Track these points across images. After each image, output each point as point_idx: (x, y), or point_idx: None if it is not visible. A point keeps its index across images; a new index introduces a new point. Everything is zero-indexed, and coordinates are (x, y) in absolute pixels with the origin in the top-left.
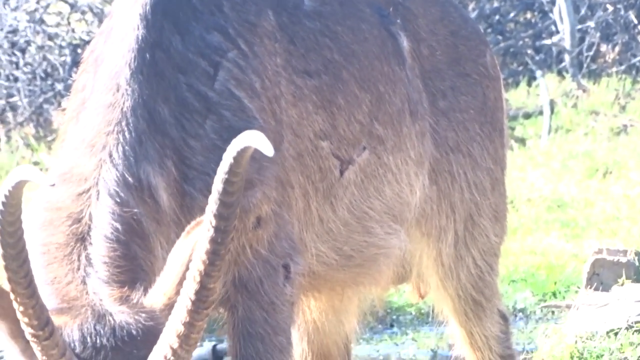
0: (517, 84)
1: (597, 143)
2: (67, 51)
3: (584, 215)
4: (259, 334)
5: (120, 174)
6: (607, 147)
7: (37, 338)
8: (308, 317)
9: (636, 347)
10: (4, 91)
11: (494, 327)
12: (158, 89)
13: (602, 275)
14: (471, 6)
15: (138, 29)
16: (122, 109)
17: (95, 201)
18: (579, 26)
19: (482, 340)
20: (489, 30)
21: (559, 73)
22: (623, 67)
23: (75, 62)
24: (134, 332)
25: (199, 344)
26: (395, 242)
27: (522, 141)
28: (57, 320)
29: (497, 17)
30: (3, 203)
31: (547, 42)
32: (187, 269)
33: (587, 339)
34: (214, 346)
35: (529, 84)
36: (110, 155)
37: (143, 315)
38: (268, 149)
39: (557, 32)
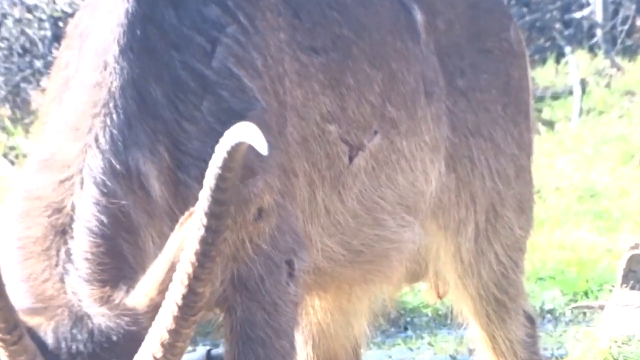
0: (544, 61)
1: (632, 126)
2: (47, 25)
3: (619, 205)
4: (260, 338)
5: (107, 161)
6: None
7: (4, 342)
8: (313, 319)
9: None
10: None
11: (519, 330)
12: (150, 67)
13: (638, 273)
14: None
15: (128, 1)
16: (109, 88)
17: (79, 190)
18: None
19: (506, 345)
20: (513, 2)
21: (591, 49)
22: None
23: (57, 37)
24: (114, 337)
25: (192, 348)
26: (409, 236)
27: (550, 124)
28: (30, 321)
29: None
30: None
31: (577, 15)
32: (172, 267)
33: (622, 343)
34: (208, 351)
35: (558, 61)
36: (97, 140)
37: (125, 318)
38: (262, 146)
39: (588, 4)
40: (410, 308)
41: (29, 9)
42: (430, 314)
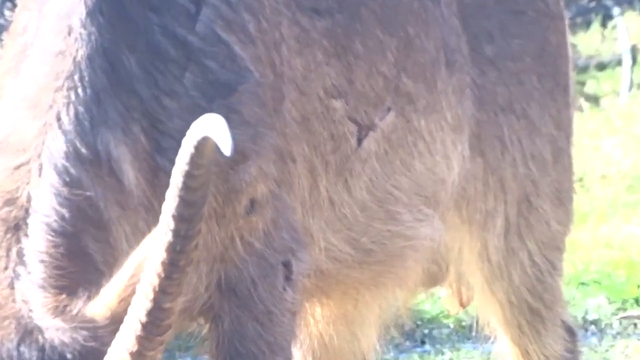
0: (587, 24)
1: None
2: None
3: None
4: (251, 353)
5: (71, 143)
6: None
7: None
8: (313, 330)
9: None
10: None
11: (556, 344)
12: (122, 32)
13: None
14: None
15: None
16: (74, 58)
17: (37, 178)
18: None
19: None
20: None
21: None
22: None
23: None
24: (68, 355)
25: None
26: (428, 232)
27: (594, 100)
28: None
29: None
30: None
31: None
32: (136, 275)
33: None
34: None
35: (604, 25)
36: (59, 119)
37: (82, 332)
38: (226, 145)
39: None
40: (429, 318)
41: None
42: (451, 325)
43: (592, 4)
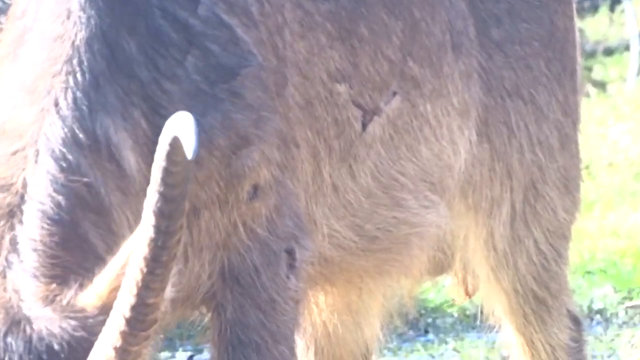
0: (595, 9)
1: None
2: None
3: None
4: (254, 342)
5: (69, 129)
6: None
7: None
8: (316, 319)
9: None
10: None
11: (562, 333)
12: (122, 16)
13: None
14: None
15: None
16: (73, 42)
17: (33, 164)
18: None
19: (547, 351)
20: None
21: None
22: None
23: None
24: (56, 346)
25: (170, 354)
26: (433, 219)
27: (601, 86)
28: None
29: None
30: None
31: None
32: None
33: None
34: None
35: (612, 10)
36: (56, 104)
37: (72, 322)
38: (189, 147)
39: None
40: (433, 307)
41: None
42: (456, 315)
43: None
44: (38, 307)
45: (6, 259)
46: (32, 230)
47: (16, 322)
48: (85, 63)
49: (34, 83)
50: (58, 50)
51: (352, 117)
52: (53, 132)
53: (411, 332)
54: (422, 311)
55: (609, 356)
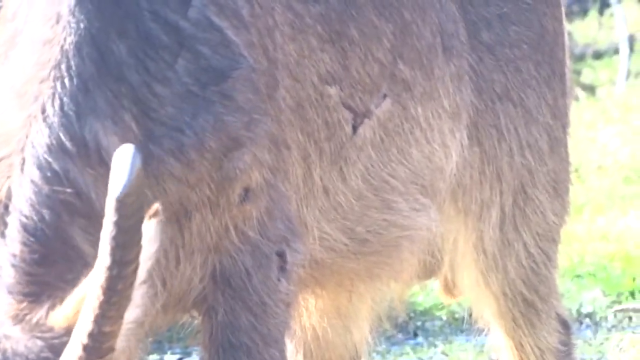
0: (584, 12)
1: None
2: None
3: None
4: (245, 345)
5: (55, 136)
6: None
7: None
8: (306, 323)
9: None
10: None
11: (551, 336)
12: (112, 19)
13: None
14: None
15: None
16: (62, 46)
17: (18, 173)
18: None
19: (536, 354)
20: None
21: None
22: None
23: None
24: None
25: (158, 357)
26: (424, 222)
27: (590, 89)
28: None
29: None
30: None
31: None
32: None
33: None
34: None
35: (601, 13)
36: (43, 111)
37: (38, 343)
38: (118, 183)
39: None
40: (422, 310)
41: None
42: (444, 318)
43: None
44: (7, 326)
45: None
46: (13, 244)
47: None
48: (74, 68)
49: (23, 87)
50: (47, 54)
51: (342, 119)
52: (39, 140)
53: (400, 335)
54: (411, 314)
55: (597, 359)
